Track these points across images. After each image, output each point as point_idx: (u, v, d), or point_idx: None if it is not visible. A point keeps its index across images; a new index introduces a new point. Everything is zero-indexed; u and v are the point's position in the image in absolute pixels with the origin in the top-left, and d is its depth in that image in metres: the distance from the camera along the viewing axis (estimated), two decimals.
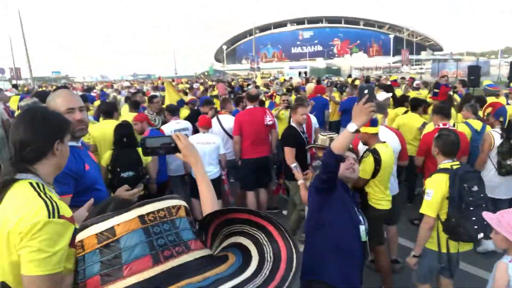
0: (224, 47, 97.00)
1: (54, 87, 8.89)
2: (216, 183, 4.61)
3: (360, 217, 2.36)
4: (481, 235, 2.55)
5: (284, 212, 5.31)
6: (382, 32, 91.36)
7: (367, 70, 51.82)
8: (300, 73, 37.81)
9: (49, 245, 1.23)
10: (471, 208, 2.56)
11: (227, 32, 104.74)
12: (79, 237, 0.75)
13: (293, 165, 3.32)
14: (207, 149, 4.57)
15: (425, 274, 2.87)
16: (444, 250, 2.74)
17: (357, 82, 12.06)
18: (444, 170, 2.75)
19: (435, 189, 2.68)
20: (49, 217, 1.24)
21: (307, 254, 2.30)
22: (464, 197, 2.58)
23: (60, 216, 1.27)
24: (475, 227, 2.54)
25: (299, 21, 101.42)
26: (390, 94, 6.28)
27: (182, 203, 0.81)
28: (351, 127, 2.00)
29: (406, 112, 5.90)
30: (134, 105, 6.31)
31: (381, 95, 6.07)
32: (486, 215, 2.13)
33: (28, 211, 1.24)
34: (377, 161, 3.19)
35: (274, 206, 5.59)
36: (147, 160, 3.97)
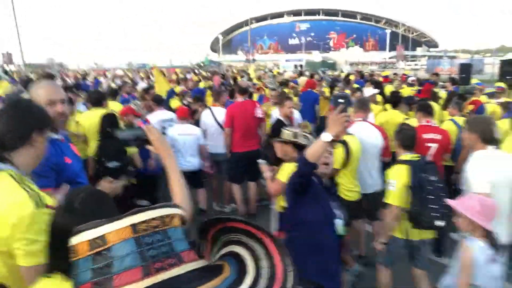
0: (220, 37, 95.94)
1: (39, 75, 8.79)
2: (197, 174, 4.65)
3: (337, 211, 2.41)
4: (440, 222, 2.68)
5: (272, 207, 5.35)
6: (379, 27, 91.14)
7: (362, 64, 51.76)
8: (295, 66, 37.74)
9: (41, 235, 1.22)
10: (431, 197, 2.70)
11: (223, 28, 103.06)
12: (72, 241, 0.75)
13: (260, 160, 3.35)
14: (187, 139, 4.59)
15: (387, 258, 3.04)
16: (409, 237, 2.91)
17: (351, 77, 12.07)
18: (404, 162, 2.91)
19: (398, 179, 2.82)
20: (37, 208, 1.26)
21: None
22: (424, 186, 2.72)
23: (46, 206, 1.29)
24: (435, 214, 2.67)
25: (296, 13, 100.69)
26: (377, 91, 6.33)
27: (177, 211, 0.80)
28: (326, 137, 2.04)
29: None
30: (111, 94, 6.36)
31: (368, 91, 6.12)
32: (450, 202, 2.26)
33: (14, 203, 1.25)
34: (347, 152, 3.41)
35: (263, 198, 5.63)
36: (131, 150, 3.96)
